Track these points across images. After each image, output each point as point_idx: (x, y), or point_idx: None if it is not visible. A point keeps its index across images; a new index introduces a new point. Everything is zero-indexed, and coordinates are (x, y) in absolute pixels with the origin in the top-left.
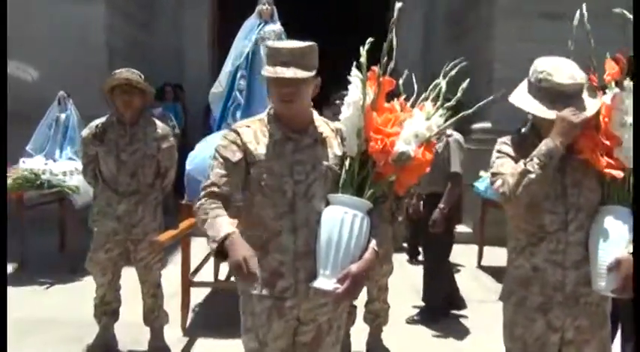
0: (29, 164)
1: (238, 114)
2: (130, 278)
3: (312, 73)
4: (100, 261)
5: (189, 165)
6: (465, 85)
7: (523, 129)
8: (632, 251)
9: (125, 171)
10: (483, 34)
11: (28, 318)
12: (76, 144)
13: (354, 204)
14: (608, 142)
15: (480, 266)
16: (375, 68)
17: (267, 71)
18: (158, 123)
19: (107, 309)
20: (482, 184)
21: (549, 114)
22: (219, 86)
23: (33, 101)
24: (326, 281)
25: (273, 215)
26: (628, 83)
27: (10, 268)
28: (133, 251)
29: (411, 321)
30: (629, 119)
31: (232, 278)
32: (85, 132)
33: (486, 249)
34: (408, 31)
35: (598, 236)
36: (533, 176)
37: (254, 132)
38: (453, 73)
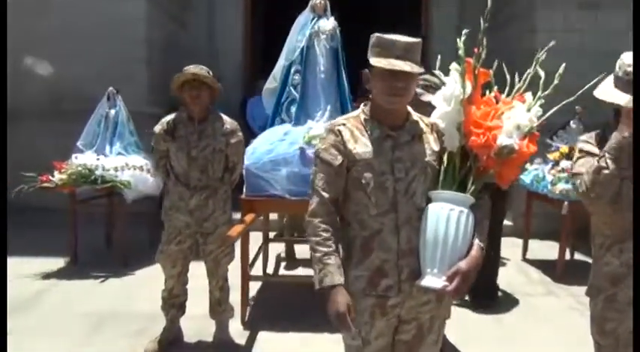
0: (82, 159)
1: (293, 109)
2: (192, 272)
3: (422, 69)
4: (171, 253)
5: (247, 160)
6: (561, 70)
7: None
8: None
9: (196, 167)
10: (522, 25)
11: (93, 312)
12: (125, 140)
13: (459, 200)
14: None
15: (525, 259)
16: (470, 60)
17: (382, 63)
18: (226, 118)
19: (175, 302)
20: (527, 177)
21: None
22: (273, 81)
23: (75, 97)
24: (434, 280)
25: (374, 213)
26: None
27: (61, 262)
28: (202, 244)
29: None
30: None
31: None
32: (157, 128)
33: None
34: (441, 23)
35: None
36: (607, 172)
37: (351, 131)
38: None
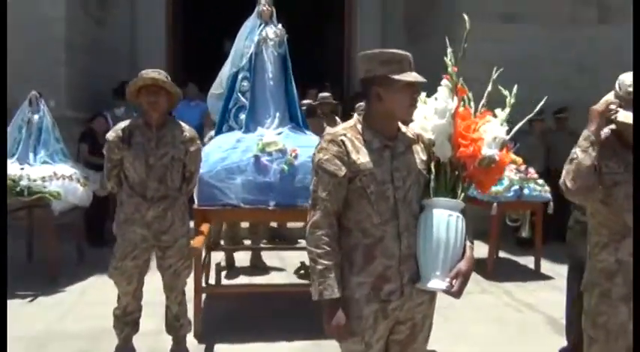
0: None
1: (242, 115)
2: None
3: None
4: (126, 269)
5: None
6: (515, 90)
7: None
8: None
9: (154, 176)
10: (442, 37)
11: (28, 335)
12: (50, 147)
13: (454, 206)
14: None
15: None
16: (448, 76)
17: (410, 77)
18: (184, 125)
19: (129, 319)
20: None
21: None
22: (219, 87)
23: None
24: (438, 282)
25: (377, 221)
26: None
27: None
28: (160, 258)
29: None
30: None
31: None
32: (111, 135)
33: None
34: (364, 36)
35: None
36: (577, 160)
37: (352, 141)
38: (495, 76)
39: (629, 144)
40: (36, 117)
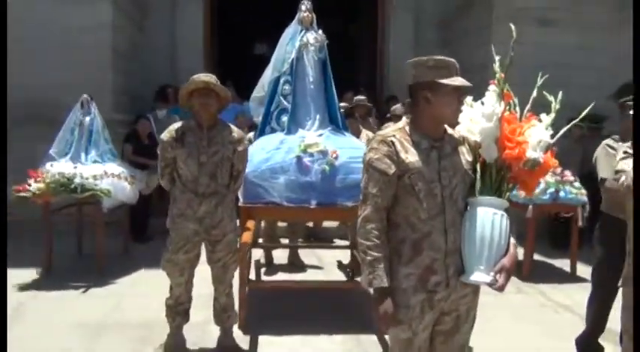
0: (58, 168)
1: (283, 118)
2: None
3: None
4: (179, 261)
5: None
6: (560, 96)
7: None
8: None
9: (205, 173)
10: (477, 39)
11: (87, 323)
12: (100, 148)
13: (499, 205)
14: None
15: None
16: (495, 82)
17: (458, 81)
18: (233, 126)
19: (180, 309)
20: None
21: None
22: (261, 90)
23: (42, 105)
24: (483, 275)
25: (425, 216)
26: None
27: (34, 273)
28: (210, 251)
29: None
30: None
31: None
32: (166, 136)
33: None
34: (397, 37)
35: None
36: None
37: (400, 142)
38: (540, 82)
39: None
40: (87, 119)
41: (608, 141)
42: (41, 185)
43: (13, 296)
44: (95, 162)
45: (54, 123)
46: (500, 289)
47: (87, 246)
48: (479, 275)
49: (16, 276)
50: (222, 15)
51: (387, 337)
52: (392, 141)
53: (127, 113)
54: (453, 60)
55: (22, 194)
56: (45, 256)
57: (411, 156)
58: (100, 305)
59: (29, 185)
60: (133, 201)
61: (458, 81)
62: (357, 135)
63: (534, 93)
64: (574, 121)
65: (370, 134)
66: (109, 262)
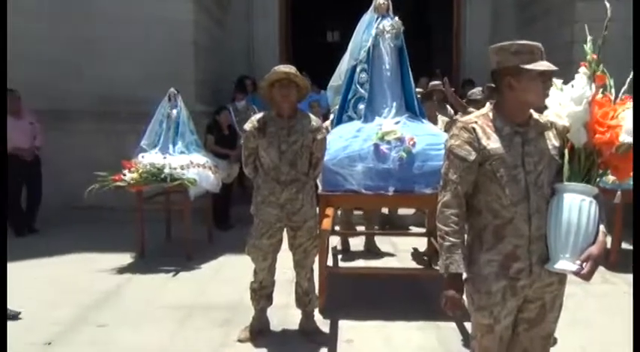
0: (149, 159)
1: (360, 106)
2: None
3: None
4: (262, 246)
5: None
6: None
7: None
8: None
9: (286, 161)
10: (560, 17)
11: (178, 305)
12: (186, 139)
13: (587, 191)
14: None
15: None
16: (586, 64)
17: (543, 66)
18: (312, 116)
19: (264, 293)
20: None
21: None
22: (338, 79)
23: (125, 98)
24: (568, 264)
25: (507, 203)
26: None
27: (128, 257)
28: (291, 237)
29: None
30: None
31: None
32: (248, 126)
33: None
34: (474, 18)
35: None
36: None
37: (482, 128)
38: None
39: None
40: (174, 111)
41: None
42: (135, 175)
43: (111, 279)
44: (182, 152)
45: (141, 116)
46: (587, 278)
47: (174, 233)
48: (564, 263)
49: (113, 260)
50: (294, 5)
51: (466, 324)
52: (473, 127)
53: (208, 104)
54: (537, 44)
55: (118, 183)
56: (138, 242)
57: (492, 143)
58: (188, 289)
59: (124, 175)
60: (216, 190)
61: (542, 66)
62: (434, 118)
63: (631, 76)
64: None
65: (446, 119)
66: (195, 248)
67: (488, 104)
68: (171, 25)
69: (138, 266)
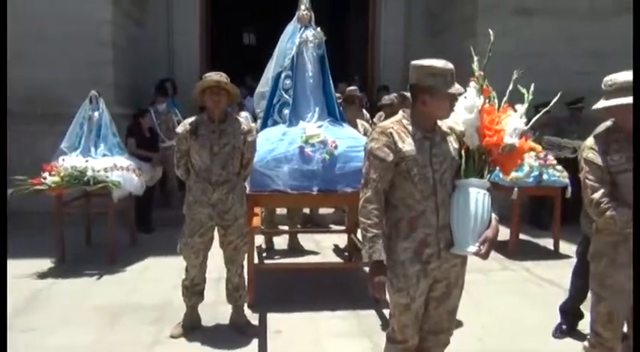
0: (70, 162)
1: (285, 111)
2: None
3: None
4: (195, 244)
5: None
6: (532, 88)
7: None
8: None
9: (217, 163)
10: (464, 30)
11: (106, 306)
12: (109, 141)
13: (482, 185)
14: None
15: None
16: (475, 79)
17: (458, 90)
18: (241, 119)
19: (196, 290)
20: None
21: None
22: (265, 85)
23: (45, 100)
24: (469, 246)
25: (419, 197)
26: None
27: (49, 262)
28: (222, 235)
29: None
30: None
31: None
32: (180, 129)
33: None
34: (387, 26)
35: None
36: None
37: (398, 133)
38: (515, 76)
39: (631, 136)
40: (96, 114)
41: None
42: (56, 178)
43: (31, 285)
44: (105, 155)
45: (58, 118)
46: (484, 257)
47: (94, 237)
48: (466, 247)
49: (33, 266)
50: (214, 7)
51: (384, 311)
52: (390, 132)
53: (127, 107)
54: (451, 68)
55: (38, 187)
56: (58, 247)
57: (407, 146)
58: (115, 291)
59: (44, 178)
60: (140, 192)
61: (453, 88)
62: (355, 123)
63: (510, 86)
64: (545, 109)
65: (365, 124)
66: (118, 251)
67: (401, 112)
68: (90, 24)
69: (60, 271)
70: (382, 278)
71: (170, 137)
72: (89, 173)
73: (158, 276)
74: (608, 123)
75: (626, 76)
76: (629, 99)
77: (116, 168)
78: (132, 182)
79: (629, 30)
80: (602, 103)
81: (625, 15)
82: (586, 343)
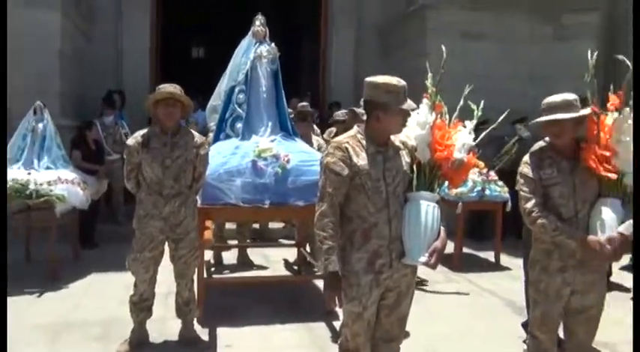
0: (11, 174)
1: (238, 125)
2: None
3: None
4: (144, 259)
5: None
6: (482, 105)
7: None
8: (621, 231)
9: (169, 175)
10: (413, 49)
11: (47, 324)
12: (52, 154)
13: (432, 198)
14: (607, 153)
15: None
16: (427, 95)
17: (412, 107)
18: (194, 132)
19: (144, 305)
20: None
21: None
22: (217, 98)
23: None
24: (419, 257)
25: (373, 210)
26: (625, 111)
27: None
28: (173, 249)
29: None
30: (624, 138)
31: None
32: (131, 141)
33: None
34: (339, 44)
35: (595, 219)
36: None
37: (352, 148)
38: (466, 92)
39: (563, 153)
40: (40, 125)
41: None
42: None
43: None
44: (48, 168)
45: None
46: (434, 267)
47: (34, 252)
48: (416, 257)
49: None
50: (163, 21)
51: (335, 323)
52: (346, 147)
53: (73, 118)
54: (404, 85)
55: None
56: None
57: (361, 160)
58: (58, 308)
59: None
60: (84, 206)
61: (406, 105)
62: (309, 138)
63: (461, 103)
64: (492, 125)
65: (320, 139)
66: (61, 267)
67: (355, 127)
68: (37, 35)
69: None
70: (337, 288)
71: (116, 150)
72: (32, 186)
73: (103, 292)
74: (541, 143)
75: (555, 97)
76: (552, 117)
77: (60, 181)
78: (77, 195)
79: (566, 54)
80: (535, 121)
81: (562, 42)
82: (525, 346)
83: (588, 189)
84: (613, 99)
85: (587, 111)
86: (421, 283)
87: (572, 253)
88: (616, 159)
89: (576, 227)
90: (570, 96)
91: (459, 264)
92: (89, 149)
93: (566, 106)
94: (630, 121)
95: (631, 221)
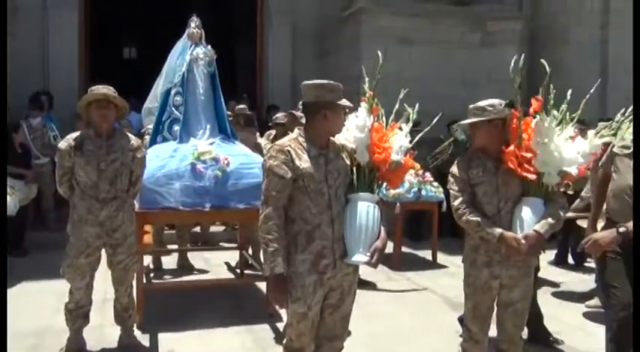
0: None
1: (175, 127)
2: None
3: None
4: (80, 266)
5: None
6: (417, 108)
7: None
8: (537, 229)
9: (105, 179)
10: (350, 53)
11: None
12: None
13: (371, 198)
14: (528, 155)
15: None
16: (365, 99)
17: (347, 103)
18: (131, 135)
19: (81, 313)
20: None
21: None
22: (154, 101)
23: None
24: (361, 256)
25: (315, 211)
26: (543, 115)
27: None
28: (110, 255)
29: None
30: (542, 140)
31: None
32: (63, 144)
33: None
34: (275, 48)
35: (516, 217)
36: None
37: (295, 150)
38: (402, 96)
39: (490, 154)
40: None
41: None
42: None
43: None
44: None
45: None
46: (375, 266)
47: None
48: (359, 257)
49: None
50: (93, 20)
51: (278, 325)
52: (288, 150)
53: None
54: (340, 85)
55: None
56: None
57: (303, 163)
58: None
59: None
60: (13, 213)
61: (346, 102)
62: (249, 140)
63: (397, 106)
64: (426, 128)
65: (262, 142)
66: None
67: (297, 129)
68: None
69: None
70: (284, 290)
71: (45, 153)
72: None
73: (35, 301)
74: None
75: (478, 103)
76: (465, 121)
77: None
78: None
79: (492, 60)
80: (457, 124)
81: (489, 47)
82: (461, 339)
83: (510, 188)
84: (534, 103)
85: (494, 115)
86: (367, 284)
87: (498, 248)
88: (535, 161)
89: (499, 224)
90: (489, 102)
91: (399, 263)
92: (15, 153)
93: (479, 111)
94: (547, 124)
95: (547, 220)
